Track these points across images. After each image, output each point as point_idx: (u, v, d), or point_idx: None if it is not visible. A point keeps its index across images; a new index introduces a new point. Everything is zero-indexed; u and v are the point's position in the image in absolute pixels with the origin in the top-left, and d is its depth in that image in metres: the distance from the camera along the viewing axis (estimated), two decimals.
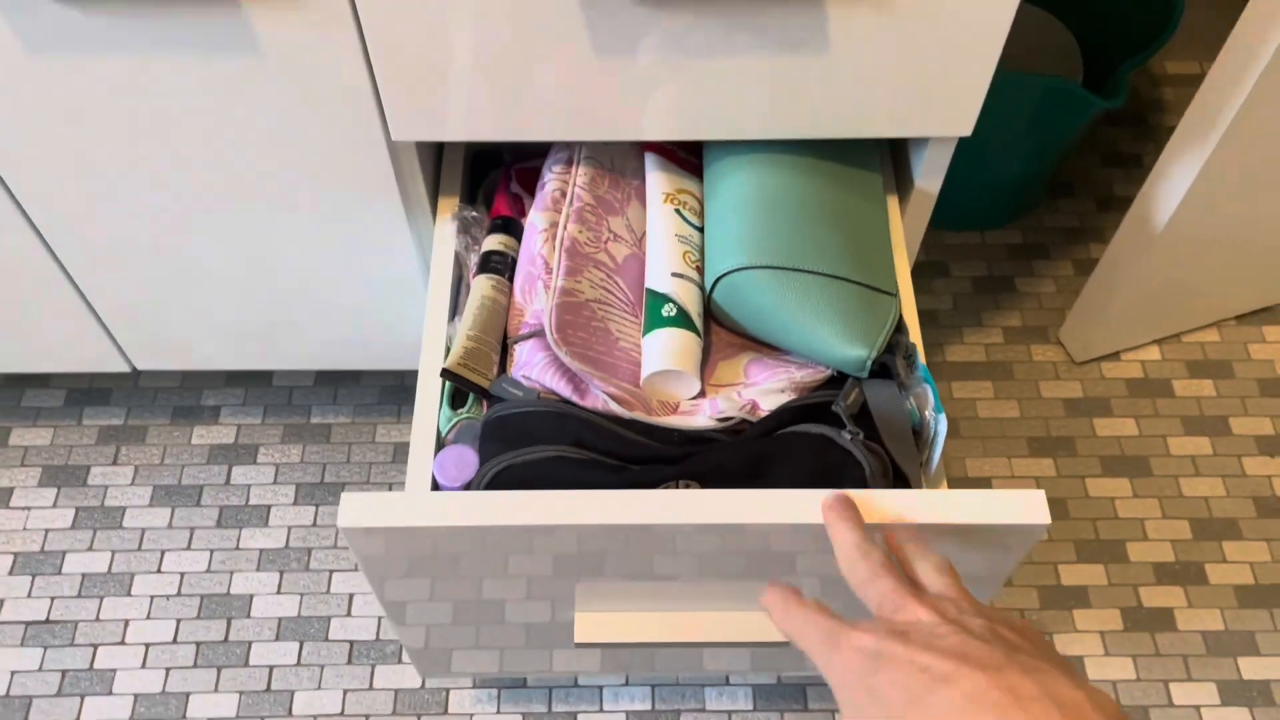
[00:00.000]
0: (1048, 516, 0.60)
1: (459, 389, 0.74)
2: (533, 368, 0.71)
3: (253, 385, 1.15)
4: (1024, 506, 0.61)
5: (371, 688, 0.98)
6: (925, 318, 1.20)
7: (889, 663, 0.42)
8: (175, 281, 0.90)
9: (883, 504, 0.60)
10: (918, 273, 1.23)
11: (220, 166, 0.77)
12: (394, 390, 1.15)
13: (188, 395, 1.14)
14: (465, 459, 0.70)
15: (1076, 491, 1.09)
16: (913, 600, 0.45)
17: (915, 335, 0.75)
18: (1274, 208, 1.02)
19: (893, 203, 0.82)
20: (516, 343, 0.74)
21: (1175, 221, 0.97)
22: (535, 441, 0.66)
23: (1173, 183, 0.95)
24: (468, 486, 0.68)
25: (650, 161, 0.80)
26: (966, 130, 0.73)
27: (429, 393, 0.73)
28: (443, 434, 0.72)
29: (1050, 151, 1.13)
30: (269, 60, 0.68)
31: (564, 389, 0.70)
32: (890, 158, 0.86)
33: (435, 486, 0.70)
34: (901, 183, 0.83)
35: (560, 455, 0.65)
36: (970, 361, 1.17)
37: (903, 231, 0.81)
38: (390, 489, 1.08)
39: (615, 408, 0.69)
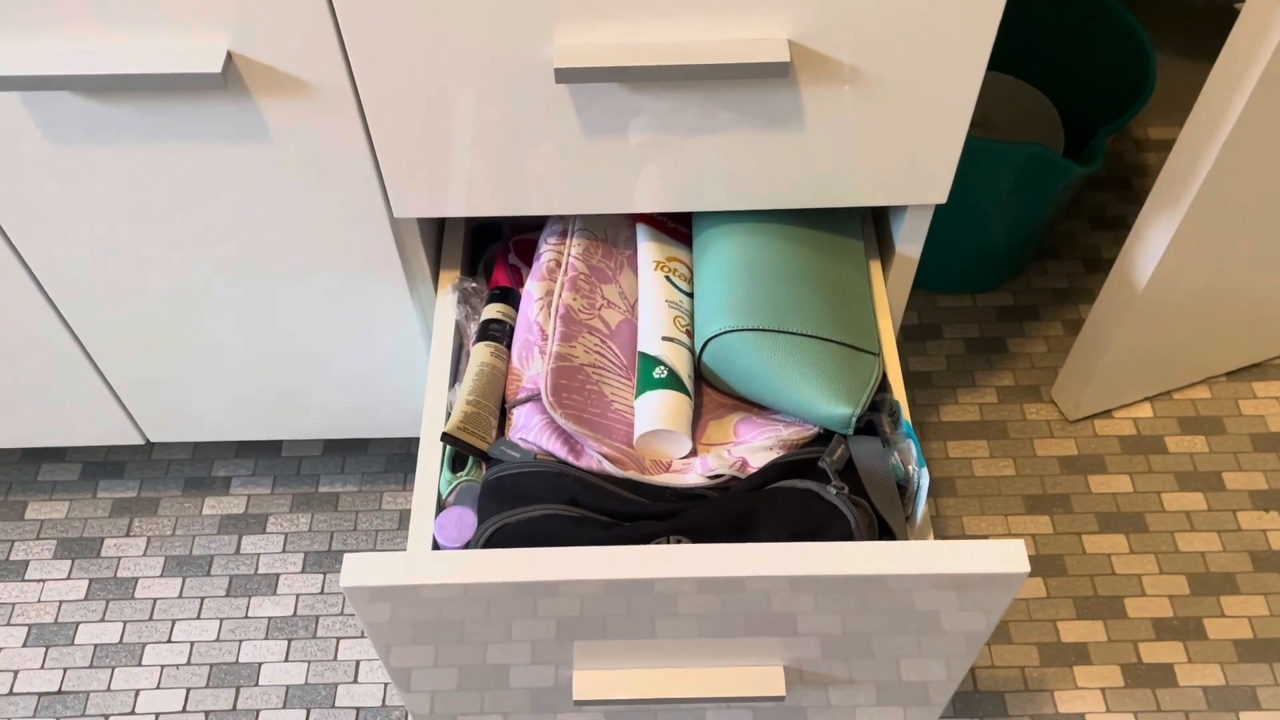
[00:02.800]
0: (1027, 565, 0.62)
1: (459, 452, 0.76)
2: (530, 430, 0.74)
3: (262, 456, 1.18)
4: (1003, 556, 0.63)
5: None
6: (919, 379, 1.23)
7: None
8: (188, 355, 0.93)
9: (868, 556, 0.62)
10: (910, 335, 1.26)
11: (231, 246, 0.81)
12: (400, 458, 1.18)
13: (199, 467, 1.17)
14: (465, 520, 0.73)
15: (1073, 548, 1.10)
16: None
17: (899, 393, 0.78)
18: (1250, 266, 1.05)
19: (876, 267, 0.85)
20: (514, 407, 0.77)
21: (1155, 281, 1.00)
22: (530, 501, 0.69)
23: (1150, 244, 0.98)
24: (467, 546, 0.70)
25: (641, 232, 0.84)
26: (941, 198, 0.77)
27: (430, 457, 0.75)
28: (443, 496, 0.75)
29: (1035, 216, 1.17)
30: (278, 145, 0.72)
31: (559, 450, 0.72)
32: (873, 224, 0.89)
33: (436, 547, 0.72)
34: (884, 248, 0.87)
35: (554, 513, 0.67)
36: (965, 421, 1.19)
37: (885, 294, 0.84)
38: None
39: (609, 467, 0.71)
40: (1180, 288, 1.03)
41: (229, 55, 0.66)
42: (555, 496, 0.69)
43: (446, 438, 0.74)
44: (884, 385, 0.77)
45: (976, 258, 1.25)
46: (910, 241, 0.83)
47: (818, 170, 0.74)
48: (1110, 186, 1.39)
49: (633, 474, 0.71)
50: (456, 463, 0.76)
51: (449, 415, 0.77)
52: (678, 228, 0.85)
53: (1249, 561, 1.09)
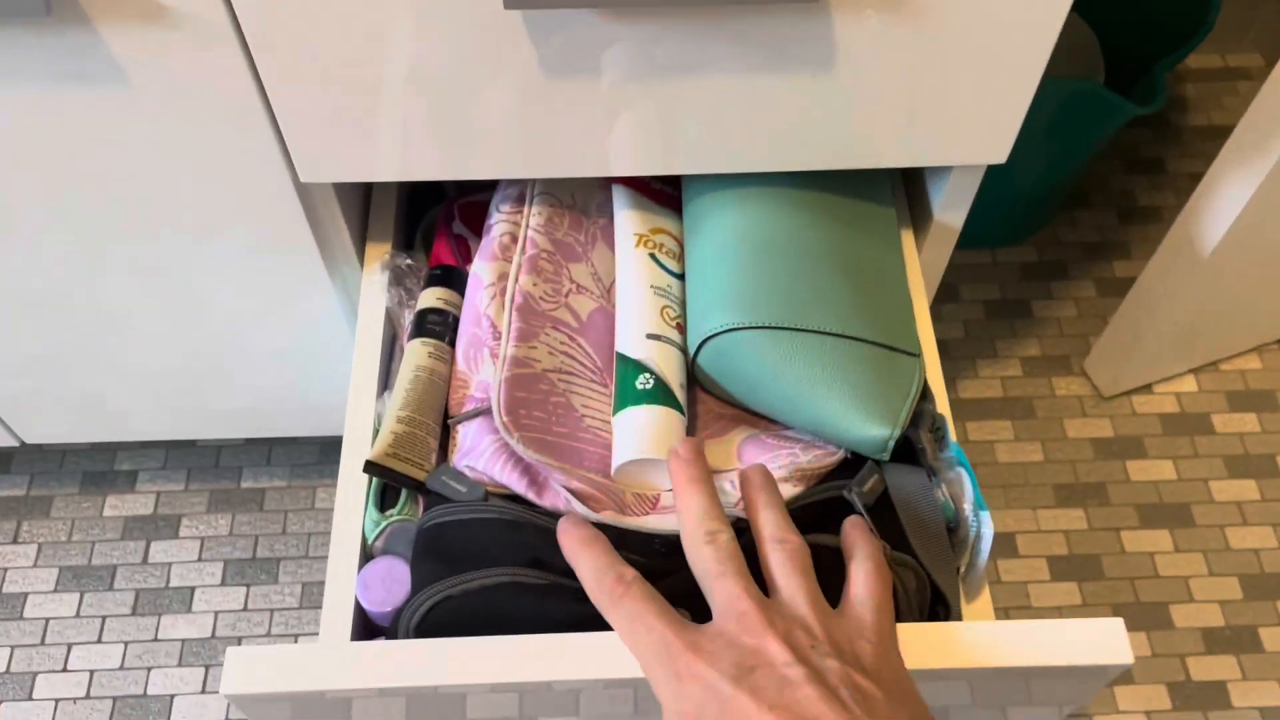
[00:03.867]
0: (1129, 654, 0.48)
1: (389, 484, 0.60)
2: (479, 455, 0.58)
3: (175, 446, 1.01)
4: (1098, 642, 0.48)
5: None
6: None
7: (734, 711, 0.38)
8: (72, 336, 0.76)
9: (922, 642, 0.47)
10: None
11: (102, 209, 0.64)
12: (336, 447, 1.01)
13: (100, 459, 1.00)
14: (395, 575, 0.57)
15: (1111, 547, 0.97)
16: (762, 621, 0.41)
17: (943, 403, 0.62)
18: None
19: (907, 239, 0.69)
20: (459, 423, 0.61)
21: (1226, 242, 0.84)
22: (481, 560, 0.53)
23: (1224, 199, 0.82)
24: (398, 616, 0.54)
25: (619, 196, 0.67)
26: (1000, 157, 0.61)
27: (351, 493, 0.59)
28: (369, 542, 0.59)
29: (1072, 161, 1.01)
30: (133, 90, 0.55)
31: (517, 484, 0.56)
32: (903, 184, 0.73)
33: (360, 611, 0.57)
34: (917, 213, 0.71)
35: (512, 580, 0.51)
36: (986, 398, 1.04)
37: (920, 273, 0.68)
38: None
39: (580, 507, 0.55)
40: (1254, 247, 0.87)
41: None
42: (512, 555, 0.53)
43: (371, 467, 0.58)
44: (924, 394, 0.62)
45: (999, 208, 1.09)
46: (953, 207, 0.67)
47: (847, 124, 0.58)
48: (1144, 123, 1.23)
49: (609, 516, 0.56)
50: (386, 497, 0.60)
51: (375, 434, 0.61)
52: (665, 189, 0.69)
53: None
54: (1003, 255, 1.13)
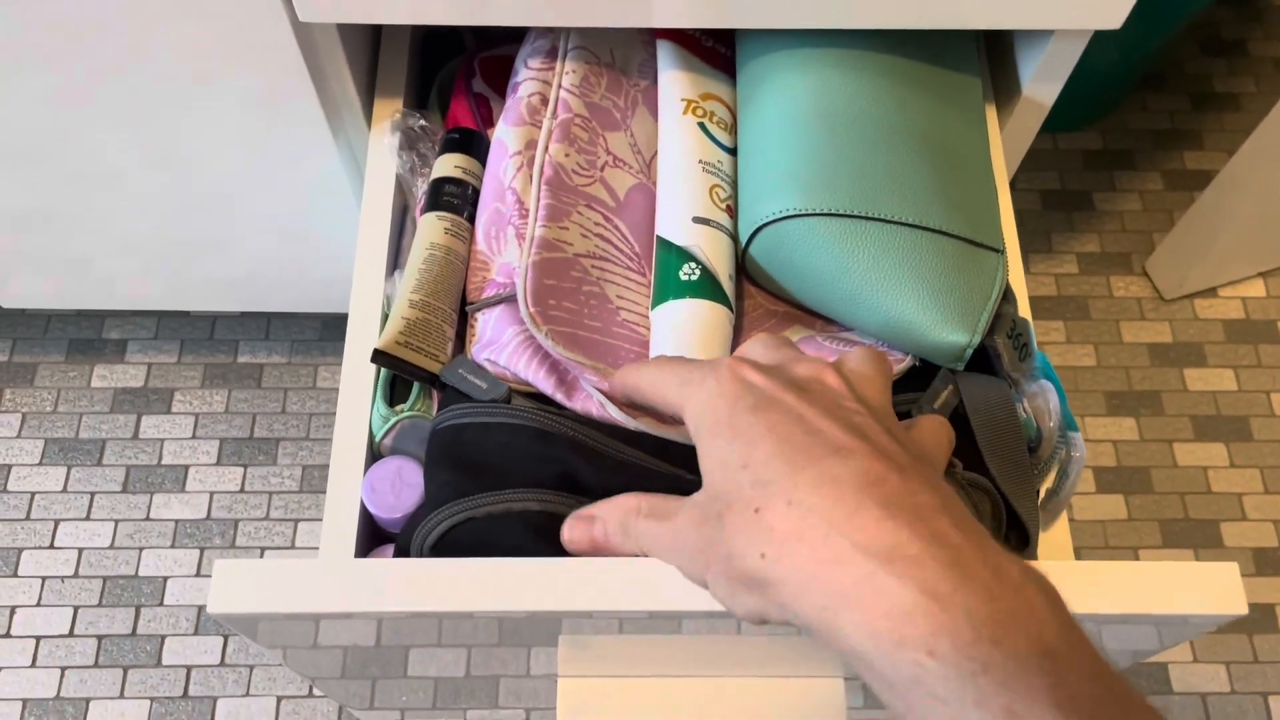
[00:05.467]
0: (1244, 604, 0.42)
1: (399, 376, 0.54)
2: (500, 349, 0.51)
3: (167, 315, 0.94)
4: (1212, 592, 0.42)
5: (311, 694, 0.81)
6: None
7: (775, 408, 0.34)
8: (58, 199, 0.69)
9: None
10: None
11: (87, 55, 0.56)
12: (339, 323, 0.95)
13: (87, 326, 0.94)
14: (406, 478, 0.51)
15: (1163, 459, 0.91)
16: (823, 364, 0.37)
17: (1025, 306, 0.55)
18: None
19: (989, 115, 0.61)
20: (479, 310, 0.54)
21: None
22: (503, 472, 0.46)
23: None
24: (410, 528, 0.48)
25: (664, 54, 0.59)
26: (1116, 21, 0.52)
27: (357, 385, 0.53)
28: (377, 440, 0.53)
29: (1155, 36, 0.91)
30: None
31: (544, 382, 0.50)
32: (985, 50, 0.64)
33: (366, 516, 0.51)
34: (1000, 85, 0.62)
35: (543, 510, 0.45)
36: (1037, 296, 0.97)
37: (1003, 155, 0.60)
38: None
39: (614, 412, 0.49)
40: None
41: None
42: (540, 469, 0.46)
43: (380, 357, 0.51)
44: (1006, 295, 0.55)
45: (1066, 87, 0.99)
46: (1047, 80, 0.59)
47: None
48: (1226, 0, 1.12)
49: (647, 423, 0.49)
50: (395, 390, 0.54)
51: (384, 320, 0.54)
52: (717, 48, 0.60)
53: None
54: (1064, 141, 1.04)
